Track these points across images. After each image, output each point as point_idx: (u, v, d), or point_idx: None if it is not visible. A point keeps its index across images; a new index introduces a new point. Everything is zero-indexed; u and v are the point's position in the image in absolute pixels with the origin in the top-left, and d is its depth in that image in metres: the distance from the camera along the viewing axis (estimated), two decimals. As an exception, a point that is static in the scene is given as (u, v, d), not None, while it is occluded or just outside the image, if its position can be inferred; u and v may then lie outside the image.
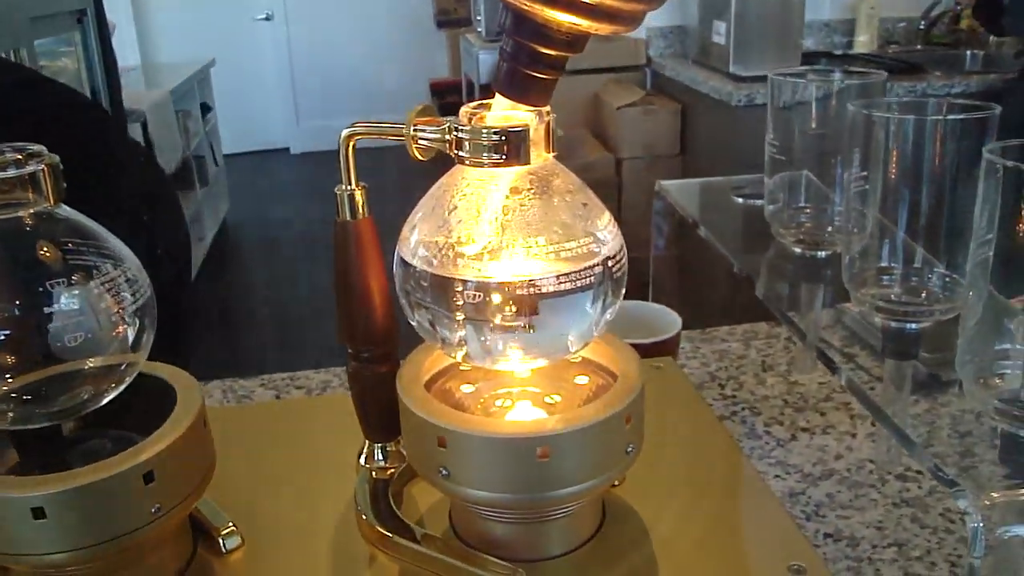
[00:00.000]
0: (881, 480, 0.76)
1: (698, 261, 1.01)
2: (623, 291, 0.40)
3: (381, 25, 5.31)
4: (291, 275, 3.45)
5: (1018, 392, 0.49)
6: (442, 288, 0.37)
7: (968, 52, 2.74)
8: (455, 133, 0.38)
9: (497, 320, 0.37)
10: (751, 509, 0.46)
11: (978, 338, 0.49)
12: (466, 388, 0.43)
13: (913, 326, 0.61)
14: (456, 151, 0.38)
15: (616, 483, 0.48)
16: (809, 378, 0.92)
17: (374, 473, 0.49)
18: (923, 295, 0.60)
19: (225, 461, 0.53)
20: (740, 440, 0.82)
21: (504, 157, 0.37)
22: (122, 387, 0.43)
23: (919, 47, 2.86)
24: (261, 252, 4.09)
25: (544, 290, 0.36)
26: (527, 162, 0.37)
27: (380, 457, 0.49)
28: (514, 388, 0.43)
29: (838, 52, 2.83)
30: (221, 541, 0.45)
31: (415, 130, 0.40)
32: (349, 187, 0.44)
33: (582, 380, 0.43)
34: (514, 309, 0.37)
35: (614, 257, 0.38)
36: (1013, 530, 0.44)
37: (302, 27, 5.30)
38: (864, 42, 2.86)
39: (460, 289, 0.37)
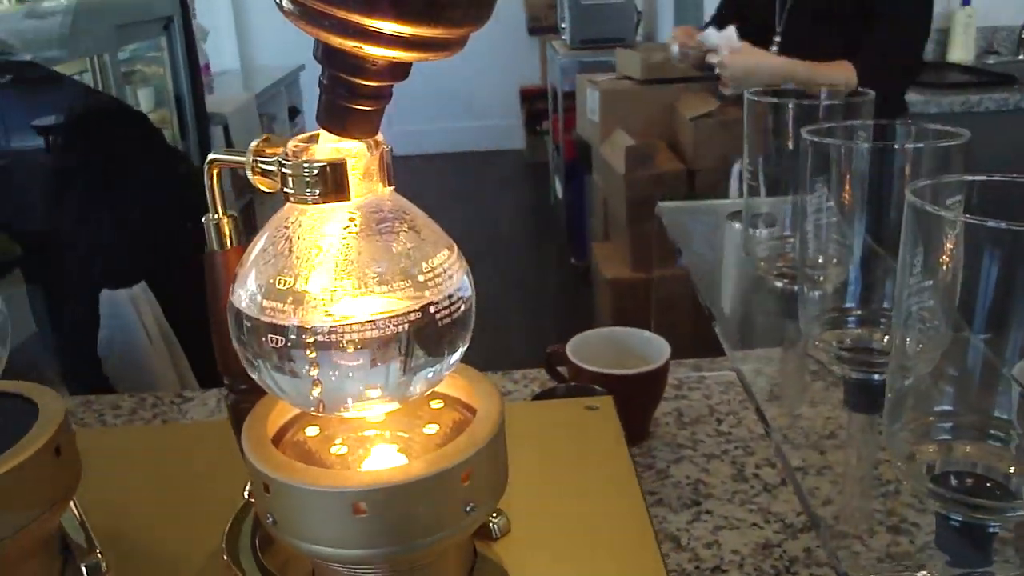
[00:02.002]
0: (870, 530, 0.70)
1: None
2: (466, 334, 0.37)
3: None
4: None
5: (950, 464, 0.44)
6: (252, 332, 0.35)
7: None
8: (281, 168, 0.36)
9: (305, 369, 0.35)
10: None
11: (913, 399, 0.44)
12: (315, 432, 0.41)
13: (877, 377, 0.55)
14: (283, 187, 0.36)
15: (497, 535, 0.45)
16: (816, 411, 0.86)
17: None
18: (886, 340, 0.54)
19: (120, 482, 0.53)
20: (724, 483, 0.76)
21: (323, 193, 0.35)
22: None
23: (1021, 57, 2.68)
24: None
25: (348, 337, 0.34)
26: (348, 198, 0.35)
27: (263, 491, 0.47)
28: (371, 432, 0.41)
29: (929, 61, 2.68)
30: (84, 568, 0.44)
31: (255, 161, 0.38)
32: (216, 216, 0.42)
33: (430, 429, 0.40)
34: (318, 356, 0.34)
35: (438, 303, 0.35)
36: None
37: (396, 32, 5.38)
38: (960, 52, 2.70)
39: (272, 334, 0.35)
